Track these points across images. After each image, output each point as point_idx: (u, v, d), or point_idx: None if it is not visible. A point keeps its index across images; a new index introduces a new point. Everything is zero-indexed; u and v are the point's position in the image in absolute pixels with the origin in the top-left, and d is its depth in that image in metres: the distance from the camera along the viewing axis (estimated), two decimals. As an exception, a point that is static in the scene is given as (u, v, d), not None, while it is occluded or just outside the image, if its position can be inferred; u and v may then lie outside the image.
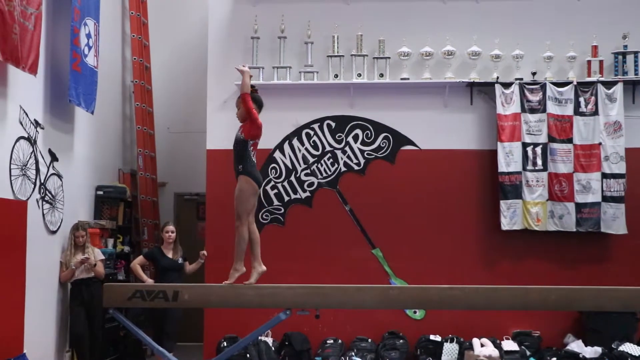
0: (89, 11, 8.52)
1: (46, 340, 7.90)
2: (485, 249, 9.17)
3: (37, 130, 7.60)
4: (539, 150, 8.97)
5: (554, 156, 8.96)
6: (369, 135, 9.33)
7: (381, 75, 9.22)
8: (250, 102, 5.76)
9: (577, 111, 8.98)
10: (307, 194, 9.33)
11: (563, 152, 8.95)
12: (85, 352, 8.19)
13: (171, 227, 8.45)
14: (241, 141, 5.85)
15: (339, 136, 9.35)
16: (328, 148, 9.34)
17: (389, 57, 9.20)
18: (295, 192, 9.32)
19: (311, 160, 9.34)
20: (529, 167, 8.97)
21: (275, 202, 9.32)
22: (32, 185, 7.49)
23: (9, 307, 6.81)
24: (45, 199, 7.81)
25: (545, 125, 8.98)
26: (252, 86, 5.96)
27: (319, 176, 9.33)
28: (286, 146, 9.36)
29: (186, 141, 11.14)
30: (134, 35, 10.58)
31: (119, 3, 10.64)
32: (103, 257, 8.51)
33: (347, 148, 9.33)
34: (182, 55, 11.34)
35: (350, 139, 9.34)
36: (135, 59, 10.56)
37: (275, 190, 9.33)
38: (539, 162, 8.97)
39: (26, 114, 7.36)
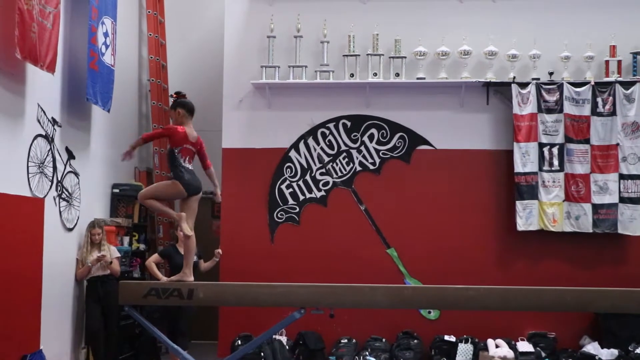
0: (107, 10, 8.57)
1: (62, 336, 7.95)
2: (501, 250, 9.14)
3: (54, 128, 7.65)
4: (555, 150, 8.92)
5: (570, 157, 8.91)
6: (385, 135, 9.32)
7: (397, 74, 9.20)
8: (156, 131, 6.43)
9: (594, 111, 8.93)
10: (322, 193, 9.33)
11: (580, 152, 8.90)
12: (100, 348, 8.24)
13: (186, 226, 8.46)
14: (169, 150, 6.24)
15: (355, 135, 9.35)
16: (343, 147, 9.34)
17: (405, 57, 9.18)
18: (310, 191, 9.33)
19: (326, 159, 9.34)
20: (546, 167, 8.92)
21: (291, 201, 9.33)
22: (49, 183, 7.54)
23: (26, 303, 6.86)
24: (62, 196, 7.86)
25: (562, 125, 8.93)
26: (179, 92, 6.33)
27: (334, 175, 9.33)
28: (301, 145, 9.37)
29: (203, 139, 11.14)
30: (150, 34, 10.62)
31: (136, 2, 10.68)
32: (119, 255, 8.55)
33: (362, 147, 9.32)
34: (198, 54, 11.37)
35: (365, 138, 9.33)
36: (151, 57, 10.60)
37: (291, 190, 9.34)
38: (556, 162, 8.92)
39: (44, 112, 7.42)
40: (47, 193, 7.47)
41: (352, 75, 9.23)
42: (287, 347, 8.72)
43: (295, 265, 9.06)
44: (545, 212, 8.86)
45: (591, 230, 8.85)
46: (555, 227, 8.88)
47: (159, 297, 5.74)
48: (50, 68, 7.08)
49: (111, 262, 8.20)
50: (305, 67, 9.25)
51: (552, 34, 9.16)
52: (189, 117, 6.24)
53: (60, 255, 7.80)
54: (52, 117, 7.61)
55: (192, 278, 6.09)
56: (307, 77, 9.27)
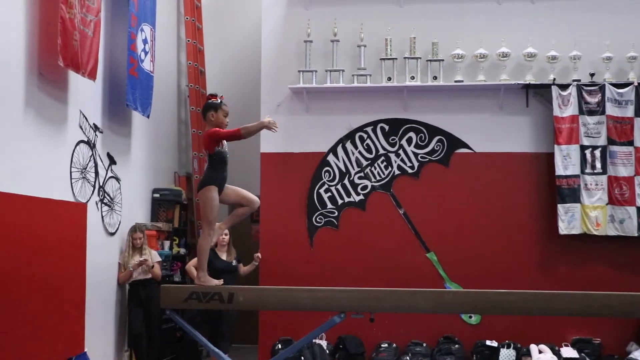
0: (146, 17, 8.67)
1: (106, 339, 8.05)
2: (542, 254, 9.01)
3: (96, 134, 7.76)
4: (597, 153, 8.79)
5: (613, 159, 8.75)
6: (423, 138, 9.27)
7: (435, 77, 9.15)
8: None
9: (638, 113, 8.75)
10: (361, 197, 9.31)
11: (623, 154, 8.74)
12: (143, 351, 8.33)
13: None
14: None
15: (393, 139, 9.31)
16: (382, 151, 9.31)
17: (443, 60, 9.12)
18: (349, 195, 9.31)
19: (365, 163, 9.32)
20: (588, 170, 8.78)
21: (329, 205, 9.32)
22: (92, 188, 7.64)
23: (70, 306, 6.96)
24: (104, 201, 7.96)
25: (604, 127, 8.79)
26: (215, 95, 6.18)
27: (373, 179, 9.30)
28: (340, 149, 9.36)
29: (240, 144, 11.03)
30: (189, 40, 10.72)
31: (174, 9, 10.80)
32: (160, 259, 8.63)
33: (400, 151, 9.28)
34: (236, 59, 11.44)
35: (404, 142, 9.29)
36: (190, 63, 10.69)
37: (329, 194, 9.33)
38: (598, 165, 8.78)
39: (86, 119, 7.53)
40: (90, 198, 7.58)
41: (389, 78, 9.19)
42: (327, 351, 8.72)
43: (335, 269, 9.06)
44: (588, 215, 8.72)
45: (636, 234, 8.67)
46: (599, 231, 8.73)
47: (199, 300, 5.76)
48: (92, 75, 7.18)
49: (152, 266, 8.28)
50: (343, 71, 9.25)
51: (593, 34, 9.02)
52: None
53: (103, 260, 7.91)
54: (94, 124, 7.72)
55: (208, 279, 5.97)
56: (344, 81, 9.26)
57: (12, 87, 6.18)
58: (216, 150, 5.98)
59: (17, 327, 6.03)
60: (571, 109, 8.83)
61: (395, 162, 9.28)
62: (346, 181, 9.33)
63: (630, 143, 8.75)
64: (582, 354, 8.43)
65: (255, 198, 6.19)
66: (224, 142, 6.08)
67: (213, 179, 5.95)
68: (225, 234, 8.50)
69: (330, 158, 9.36)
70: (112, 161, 8.20)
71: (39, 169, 6.55)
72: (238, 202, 6.17)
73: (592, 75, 8.95)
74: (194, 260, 8.44)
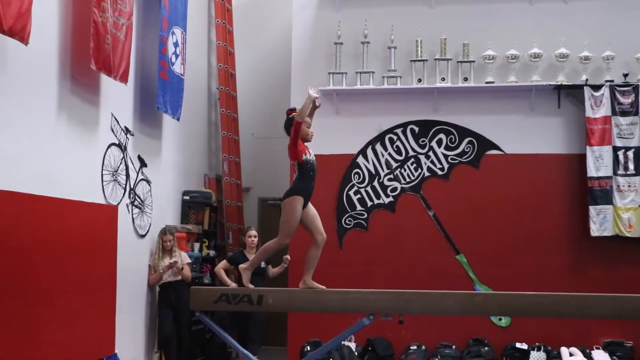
0: (177, 20, 8.73)
1: (136, 341, 8.12)
2: (574, 256, 8.92)
3: (127, 137, 7.83)
4: (630, 154, 8.67)
5: (647, 160, 8.64)
6: (453, 140, 9.22)
7: (465, 79, 9.09)
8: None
9: (672, 113, 8.64)
10: (391, 199, 9.29)
11: (657, 156, 8.63)
12: (173, 353, 8.38)
13: (253, 232, 8.53)
14: None
15: (423, 141, 9.27)
16: (411, 153, 9.28)
17: (474, 61, 9.07)
18: (378, 197, 9.30)
19: (394, 165, 9.29)
20: (620, 171, 8.67)
21: (359, 207, 9.32)
22: (123, 191, 7.71)
23: (101, 308, 7.04)
24: (135, 203, 8.03)
25: (637, 128, 8.67)
26: (294, 109, 5.95)
27: (402, 181, 9.28)
28: (369, 151, 9.35)
29: (270, 146, 11.25)
30: (219, 43, 10.78)
31: (205, 12, 10.87)
32: (190, 261, 8.68)
33: (430, 153, 9.24)
34: (266, 61, 11.49)
35: (434, 143, 9.25)
36: (220, 66, 10.76)
37: (359, 196, 9.32)
38: (631, 166, 8.66)
39: (117, 121, 7.60)
40: (121, 200, 7.65)
41: (419, 80, 9.16)
42: (356, 353, 8.71)
43: (364, 271, 9.05)
44: (620, 217, 8.61)
45: (670, 236, 8.56)
46: (632, 233, 8.62)
47: (229, 302, 5.79)
48: (123, 78, 7.25)
49: (182, 268, 8.33)
50: (373, 73, 9.24)
51: (626, 34, 8.90)
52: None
53: (133, 262, 7.98)
54: (125, 126, 7.79)
55: (247, 279, 6.00)
56: (374, 82, 9.25)
57: (45, 90, 6.27)
58: (304, 158, 5.78)
59: (49, 327, 6.12)
60: (604, 110, 8.73)
61: (425, 163, 9.24)
62: (376, 183, 9.32)
63: (665, 144, 8.62)
64: (614, 357, 8.33)
65: (323, 235, 5.98)
66: (310, 150, 5.91)
67: (301, 190, 5.79)
68: (255, 236, 8.51)
69: (360, 160, 9.36)
70: (143, 164, 8.27)
71: (71, 172, 6.64)
72: (307, 227, 5.97)
73: (625, 75, 8.84)
74: (223, 263, 8.49)
